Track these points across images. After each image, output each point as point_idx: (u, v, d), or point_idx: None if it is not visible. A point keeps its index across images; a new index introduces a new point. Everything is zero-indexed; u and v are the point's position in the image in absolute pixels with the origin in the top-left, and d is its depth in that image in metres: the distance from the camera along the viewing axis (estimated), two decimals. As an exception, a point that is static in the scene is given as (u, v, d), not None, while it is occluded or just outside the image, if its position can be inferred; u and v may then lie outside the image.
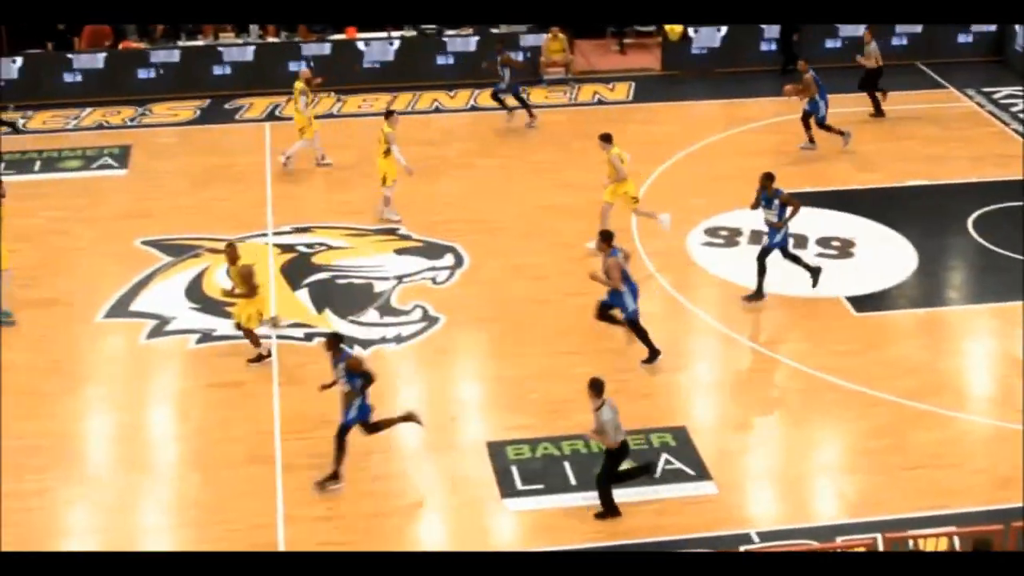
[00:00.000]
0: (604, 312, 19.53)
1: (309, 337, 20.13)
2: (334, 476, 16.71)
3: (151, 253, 22.84)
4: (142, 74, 30.30)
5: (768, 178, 20.67)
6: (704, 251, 22.79)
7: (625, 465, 16.31)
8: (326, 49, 30.88)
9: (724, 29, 31.86)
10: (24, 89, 29.86)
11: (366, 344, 19.91)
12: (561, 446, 17.37)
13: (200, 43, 31.01)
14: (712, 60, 31.99)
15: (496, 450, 17.37)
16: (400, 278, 21.90)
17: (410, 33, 31.40)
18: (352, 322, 20.56)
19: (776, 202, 20.56)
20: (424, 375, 19.52)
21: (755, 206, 20.95)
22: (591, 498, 16.21)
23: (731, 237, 23.21)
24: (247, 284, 19.18)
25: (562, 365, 19.24)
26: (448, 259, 22.42)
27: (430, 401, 18.86)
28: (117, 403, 18.85)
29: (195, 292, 21.52)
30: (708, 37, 31.92)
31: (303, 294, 21.43)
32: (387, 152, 23.44)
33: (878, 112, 28.61)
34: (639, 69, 32.12)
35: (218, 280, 21.67)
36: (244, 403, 18.61)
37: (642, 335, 19.31)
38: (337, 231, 23.46)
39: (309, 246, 22.95)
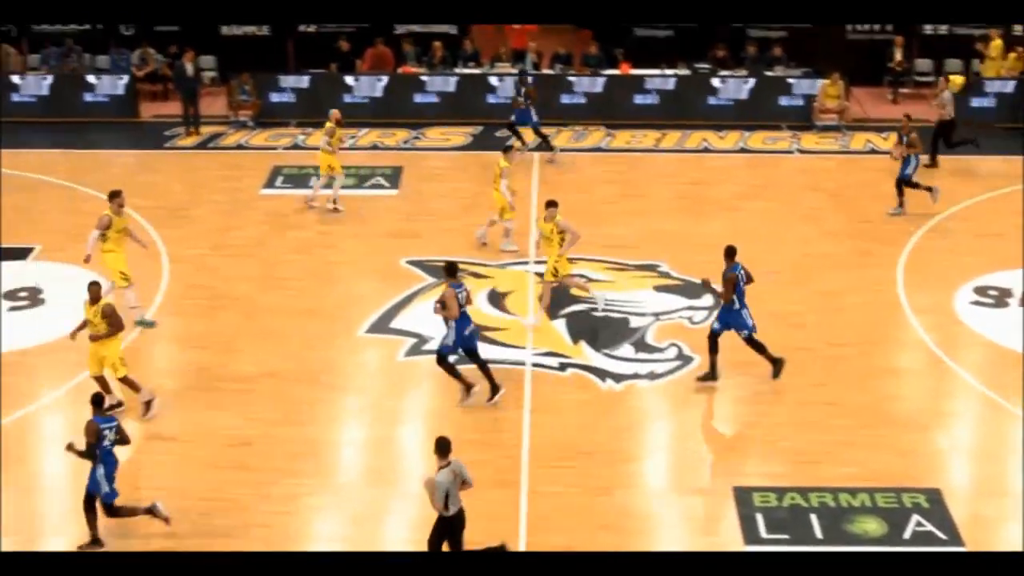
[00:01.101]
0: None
1: (563, 367, 20.22)
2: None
3: (415, 273, 23.30)
4: (418, 99, 31.00)
5: (728, 253, 19.65)
6: (972, 310, 22.07)
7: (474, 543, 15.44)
8: (598, 86, 31.06)
9: (1011, 85, 30.92)
10: (307, 106, 30.91)
11: (619, 378, 19.90)
12: (809, 497, 17.00)
13: (476, 71, 31.58)
14: (993, 114, 31.04)
15: (742, 495, 17.11)
16: (657, 315, 21.83)
17: (684, 72, 31.38)
18: (607, 355, 20.57)
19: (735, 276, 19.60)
20: (675, 414, 19.36)
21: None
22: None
23: (1001, 298, 22.44)
24: (111, 322, 18.40)
25: (817, 416, 18.87)
26: (707, 300, 22.23)
27: (679, 440, 18.74)
28: (372, 416, 19.25)
29: (455, 314, 21.84)
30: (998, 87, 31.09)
31: (560, 324, 21.54)
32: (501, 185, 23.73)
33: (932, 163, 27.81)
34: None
35: (479, 304, 21.99)
36: (495, 427, 18.78)
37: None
38: (599, 264, 23.52)
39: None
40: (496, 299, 22.31)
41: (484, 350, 20.51)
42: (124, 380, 18.84)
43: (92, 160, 28.72)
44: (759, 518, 16.65)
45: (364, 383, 20.19)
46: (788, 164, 27.91)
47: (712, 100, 31.02)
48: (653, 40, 33.39)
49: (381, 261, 23.72)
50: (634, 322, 21.60)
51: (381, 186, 27.20)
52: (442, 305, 18.78)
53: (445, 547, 15.21)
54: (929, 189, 25.69)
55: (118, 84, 31.40)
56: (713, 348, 19.57)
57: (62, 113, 31.16)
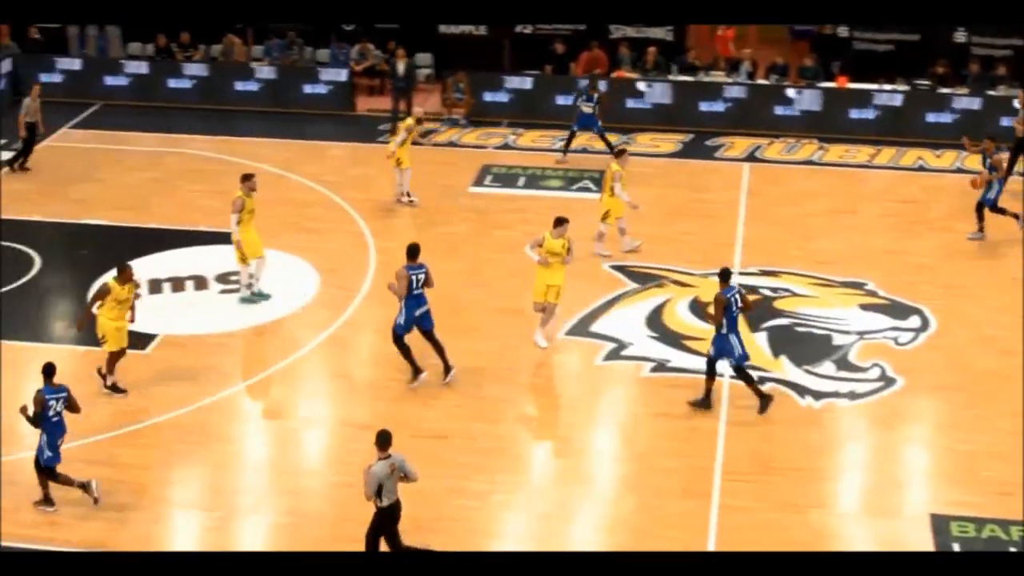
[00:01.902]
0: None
1: (762, 381, 19.95)
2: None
3: (617, 278, 23.27)
4: (630, 104, 30.94)
5: (722, 276, 19.09)
6: None
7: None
8: (814, 98, 30.56)
9: None
10: (519, 107, 31.14)
11: (818, 395, 19.58)
12: (1009, 531, 16.46)
13: (690, 79, 31.40)
14: None
15: (939, 524, 16.65)
16: (862, 334, 21.40)
17: (903, 88, 30.71)
18: (807, 372, 20.25)
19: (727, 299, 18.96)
20: (874, 435, 18.94)
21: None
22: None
23: None
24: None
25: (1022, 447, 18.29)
26: (914, 321, 21.72)
27: (875, 462, 18.35)
28: (566, 418, 19.29)
29: (655, 321, 21.76)
30: None
31: (761, 337, 21.28)
32: (613, 189, 23.44)
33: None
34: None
35: (680, 313, 21.88)
36: (689, 436, 18.64)
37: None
38: (804, 279, 23.17)
39: (774, 290, 22.78)
40: (698, 308, 22.14)
41: (683, 359, 20.45)
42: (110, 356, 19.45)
43: (307, 151, 29.36)
44: (956, 548, 16.19)
45: (561, 385, 20.25)
46: (1007, 187, 27.07)
47: (931, 118, 30.25)
48: (872, 54, 32.77)
49: (584, 264, 23.69)
50: (837, 340, 21.21)
51: (588, 189, 27.21)
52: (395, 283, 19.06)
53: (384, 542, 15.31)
54: (1016, 216, 24.92)
55: (337, 78, 32.05)
56: (710, 374, 19.17)
57: (282, 104, 31.96)
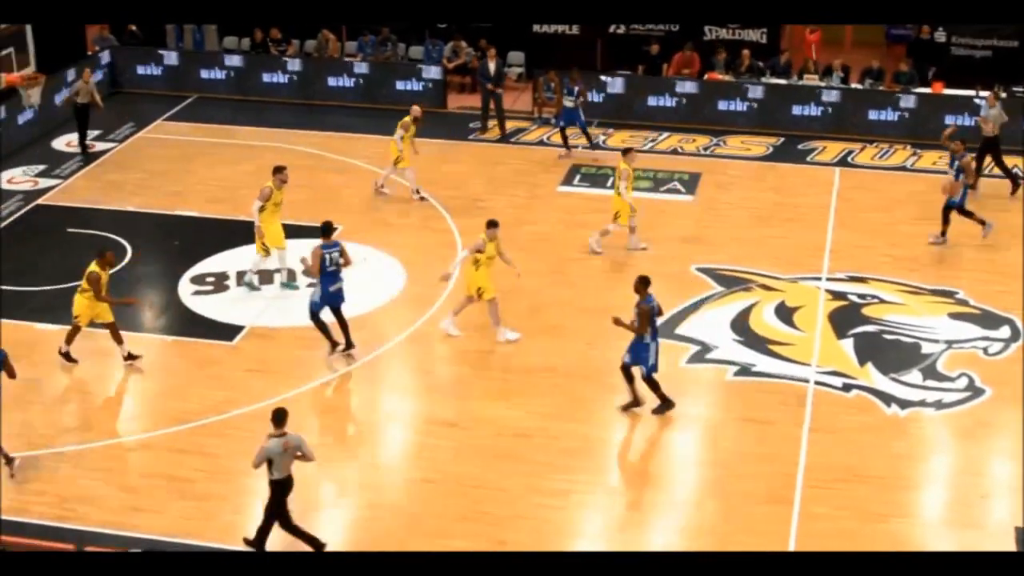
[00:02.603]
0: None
1: (847, 388, 19.79)
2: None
3: (704, 280, 23.17)
4: (722, 106, 30.78)
5: (642, 282, 18.79)
6: None
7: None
8: (910, 102, 30.22)
9: None
10: (611, 107, 31.11)
11: (904, 404, 19.38)
12: (1098, 547, 16.22)
13: (783, 82, 31.19)
14: None
15: (1025, 537, 16.47)
16: (950, 343, 21.14)
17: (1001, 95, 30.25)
18: (893, 380, 20.04)
19: (635, 310, 18.77)
20: (959, 446, 18.72)
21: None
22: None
23: None
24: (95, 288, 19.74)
25: (1114, 463, 17.97)
26: (1004, 331, 21.42)
27: (960, 474, 18.12)
28: (650, 420, 19.23)
29: (740, 325, 21.64)
30: None
31: (847, 344, 21.08)
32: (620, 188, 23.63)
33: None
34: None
35: (766, 317, 21.75)
36: (772, 442, 18.53)
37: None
38: (893, 286, 22.93)
39: (861, 296, 22.57)
40: (784, 313, 21.99)
41: (768, 364, 20.34)
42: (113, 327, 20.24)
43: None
44: (1041, 562, 15.96)
45: (644, 386, 20.16)
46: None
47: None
48: (969, 60, 32.37)
49: (671, 266, 23.65)
50: (925, 348, 20.97)
51: (677, 191, 27.13)
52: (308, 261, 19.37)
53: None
54: (982, 222, 24.51)
55: (429, 75, 32.19)
56: (629, 379, 19.09)
57: (374, 100, 32.17)
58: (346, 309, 21.66)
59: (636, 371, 18.97)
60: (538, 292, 22.75)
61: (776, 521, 16.77)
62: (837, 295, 22.57)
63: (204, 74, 33.01)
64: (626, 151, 24.41)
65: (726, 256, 24.04)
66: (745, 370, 20.36)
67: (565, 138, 29.05)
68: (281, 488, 15.86)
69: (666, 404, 19.10)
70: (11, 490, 17.32)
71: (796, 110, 30.50)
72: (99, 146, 29.47)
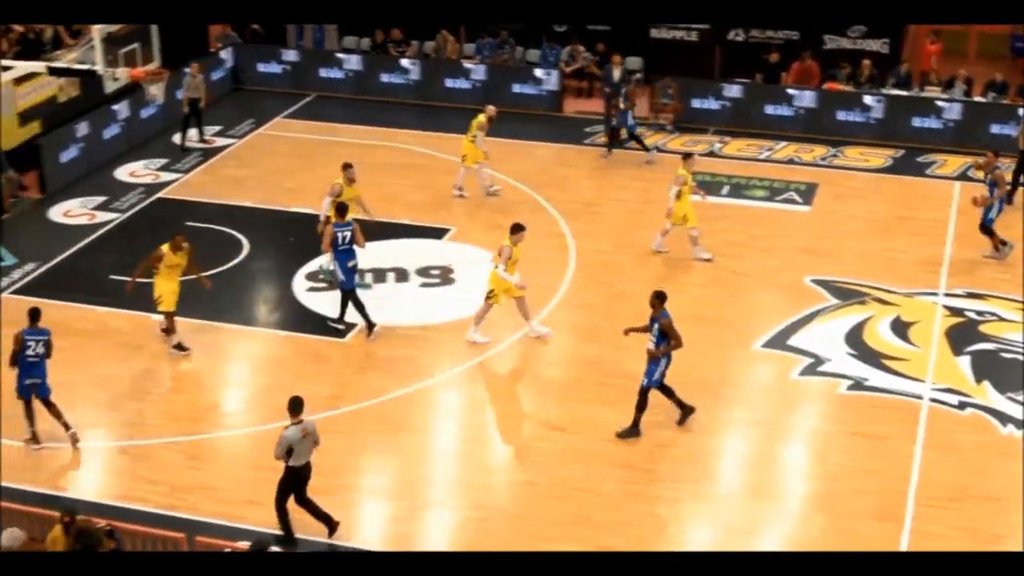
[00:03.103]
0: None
1: (963, 406, 19.46)
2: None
3: (819, 292, 22.91)
4: (840, 116, 30.43)
5: (658, 297, 18.35)
6: None
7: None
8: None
9: None
10: (728, 114, 30.90)
11: (1021, 424, 19.00)
12: None
13: (904, 93, 30.75)
14: None
15: None
16: (1071, 363, 20.72)
17: None
18: (1011, 399, 19.66)
19: (656, 327, 18.26)
20: (1078, 469, 18.35)
21: (644, 329, 18.68)
22: None
23: None
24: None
25: None
26: None
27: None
28: (758, 431, 19.07)
29: (854, 338, 21.36)
30: None
31: (964, 361, 20.72)
32: (679, 195, 23.55)
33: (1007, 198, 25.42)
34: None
35: (881, 332, 21.46)
36: (884, 457, 18.27)
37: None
38: (1013, 304, 22.49)
39: (979, 314, 22.17)
40: (900, 328, 21.67)
41: (882, 379, 20.08)
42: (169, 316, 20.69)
43: (513, 150, 29.54)
44: None
45: (754, 397, 20.02)
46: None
47: None
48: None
49: (786, 276, 23.43)
50: (1044, 368, 20.58)
51: (794, 201, 26.85)
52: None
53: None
54: (1003, 243, 24.01)
55: (546, 78, 32.20)
56: (668, 394, 18.88)
57: (491, 102, 32.17)
58: (457, 310, 21.78)
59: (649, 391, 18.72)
60: (647, 298, 22.61)
61: (885, 539, 16.52)
62: (954, 311, 22.19)
63: (323, 73, 33.33)
64: (686, 156, 24.36)
65: (842, 268, 23.75)
66: (858, 384, 20.10)
67: (615, 136, 29.39)
68: (297, 475, 16.18)
69: (635, 429, 18.60)
70: (125, 477, 17.62)
71: (916, 122, 30.03)
72: (219, 142, 29.90)
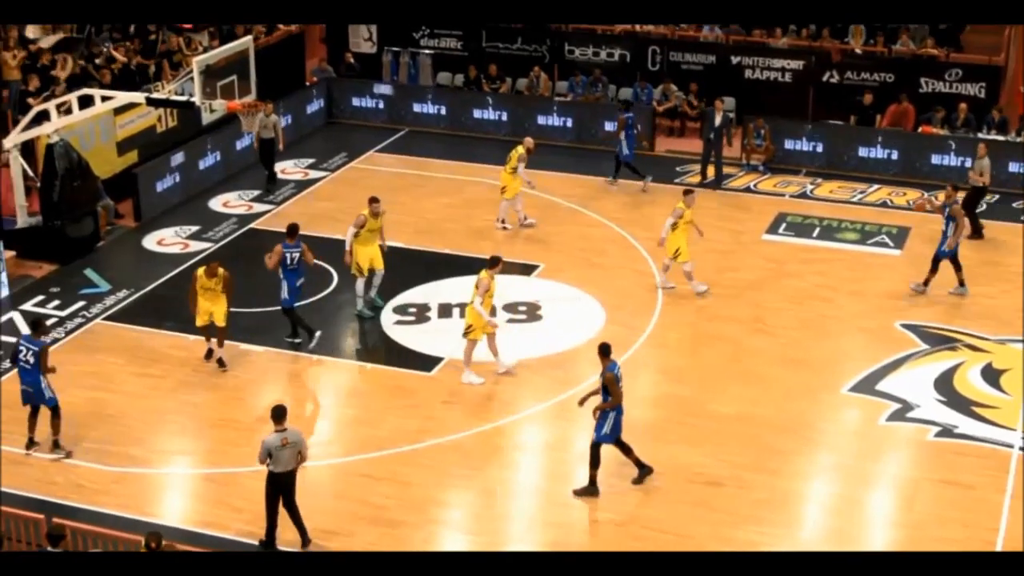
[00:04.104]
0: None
1: (1053, 456, 19.15)
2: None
3: (908, 337, 22.65)
4: (935, 160, 30.12)
5: (602, 351, 17.98)
6: None
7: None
8: None
9: None
10: (820, 156, 30.71)
11: (1114, 477, 18.66)
12: None
13: (1000, 138, 30.33)
14: None
15: None
16: None
17: None
18: (1103, 450, 19.33)
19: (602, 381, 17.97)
20: None
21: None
22: None
23: None
24: (226, 288, 21.17)
25: None
26: None
27: None
28: (844, 476, 18.87)
29: (944, 385, 21.10)
30: None
31: (1055, 411, 20.43)
32: (674, 226, 23.62)
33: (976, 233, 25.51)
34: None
35: (971, 378, 21.18)
36: (971, 507, 18.00)
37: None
38: (1104, 352, 22.13)
39: (1072, 363, 21.83)
40: (991, 375, 21.38)
41: (971, 427, 19.80)
42: (221, 332, 21.43)
43: (602, 187, 29.58)
44: None
45: (841, 441, 19.83)
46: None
47: None
48: None
49: (875, 321, 23.21)
50: None
51: (885, 244, 26.60)
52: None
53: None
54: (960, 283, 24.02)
55: (640, 117, 32.17)
56: (624, 451, 18.39)
57: (582, 139, 32.34)
58: (545, 346, 21.81)
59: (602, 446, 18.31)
60: (737, 339, 22.54)
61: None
62: (1032, 356, 21.88)
63: (417, 108, 33.59)
64: (686, 191, 24.28)
65: (932, 313, 23.48)
66: (947, 431, 19.83)
67: (620, 166, 29.74)
68: (279, 480, 16.67)
69: (593, 487, 18.19)
70: (210, 504, 17.80)
71: (1013, 167, 29.66)
72: (312, 174, 30.20)
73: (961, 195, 25.61)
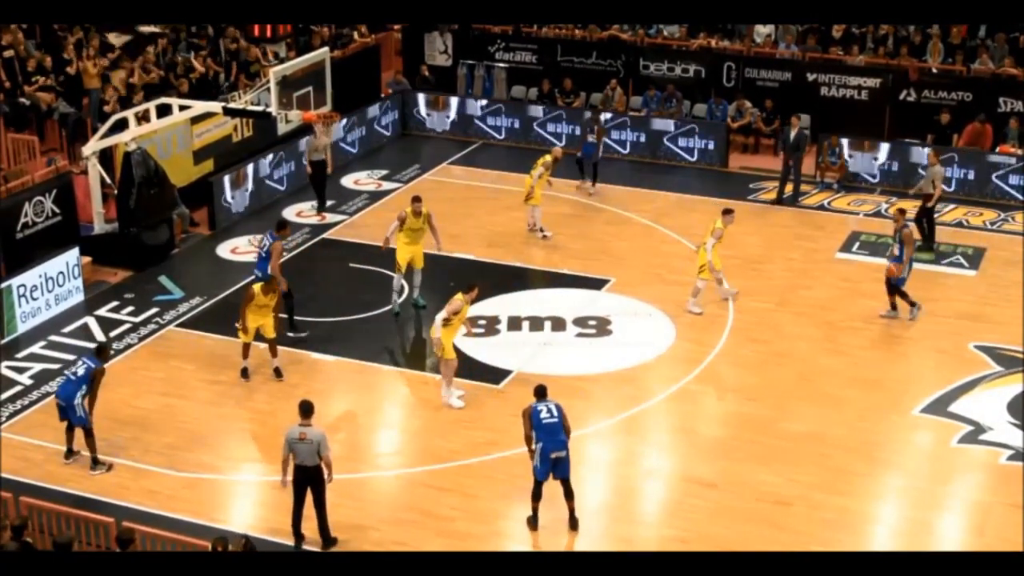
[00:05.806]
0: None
1: (1125, 483, 18.84)
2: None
3: (982, 358, 22.40)
4: (1015, 180, 29.78)
5: (535, 392, 17.93)
6: None
7: None
8: None
9: None
10: (895, 175, 30.45)
11: None
12: None
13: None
14: None
15: None
16: None
17: None
18: None
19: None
20: None
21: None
22: None
23: None
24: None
25: None
26: None
27: None
28: (914, 498, 18.69)
29: (1017, 407, 20.81)
30: None
31: None
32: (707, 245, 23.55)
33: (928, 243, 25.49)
34: None
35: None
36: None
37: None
38: None
39: None
40: (1066, 399, 21.14)
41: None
42: (272, 343, 21.62)
43: (675, 203, 29.51)
44: None
45: (911, 463, 19.63)
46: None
47: None
48: None
49: (949, 341, 22.96)
50: None
51: (960, 265, 26.33)
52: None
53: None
54: (913, 304, 23.55)
55: (713, 133, 32.11)
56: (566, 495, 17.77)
57: (655, 155, 32.27)
58: (613, 362, 21.75)
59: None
60: (809, 359, 22.38)
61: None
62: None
63: (491, 121, 33.67)
64: (726, 211, 24.14)
65: (1007, 335, 23.18)
66: (1020, 455, 19.58)
67: (583, 171, 30.06)
68: (301, 472, 16.91)
69: (535, 520, 17.74)
70: (278, 512, 17.88)
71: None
72: (385, 185, 30.36)
73: (912, 212, 26.00)
